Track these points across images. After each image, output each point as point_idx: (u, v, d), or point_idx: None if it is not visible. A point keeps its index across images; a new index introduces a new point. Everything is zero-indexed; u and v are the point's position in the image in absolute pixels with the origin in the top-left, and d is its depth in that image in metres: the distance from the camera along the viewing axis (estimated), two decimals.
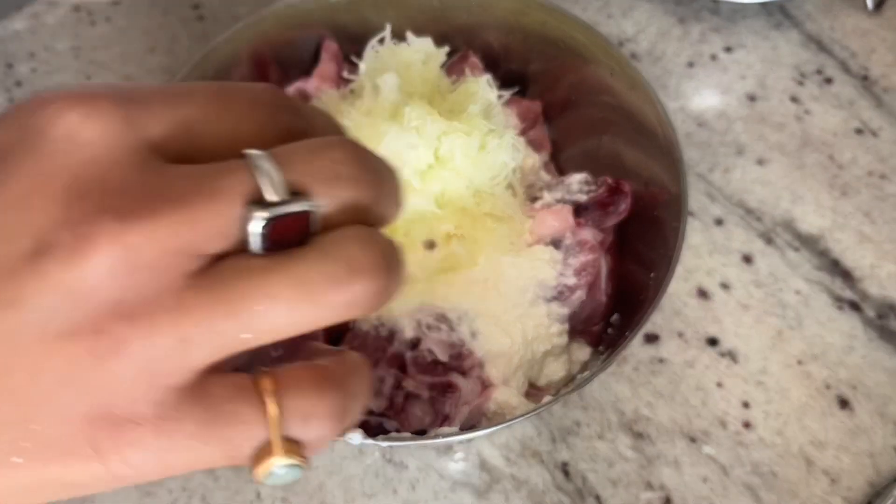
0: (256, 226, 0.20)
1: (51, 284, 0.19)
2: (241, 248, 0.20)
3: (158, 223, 0.19)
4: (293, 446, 0.21)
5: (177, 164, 0.20)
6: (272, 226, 0.20)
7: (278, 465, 0.21)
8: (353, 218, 0.21)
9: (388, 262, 0.21)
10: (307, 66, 0.57)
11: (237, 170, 0.20)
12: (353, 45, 0.56)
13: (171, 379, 0.20)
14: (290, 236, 0.20)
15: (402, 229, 0.49)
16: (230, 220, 0.20)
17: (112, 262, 0.19)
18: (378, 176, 0.22)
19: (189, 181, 0.20)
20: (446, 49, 0.56)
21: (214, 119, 0.22)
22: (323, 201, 0.21)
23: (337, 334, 0.48)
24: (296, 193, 0.20)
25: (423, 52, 0.55)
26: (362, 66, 0.55)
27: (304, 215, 0.20)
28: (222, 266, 0.20)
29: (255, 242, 0.20)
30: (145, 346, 0.19)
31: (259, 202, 0.20)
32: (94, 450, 0.20)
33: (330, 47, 0.56)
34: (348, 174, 0.21)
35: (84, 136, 0.20)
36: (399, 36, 0.56)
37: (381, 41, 0.56)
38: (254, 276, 0.20)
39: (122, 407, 0.20)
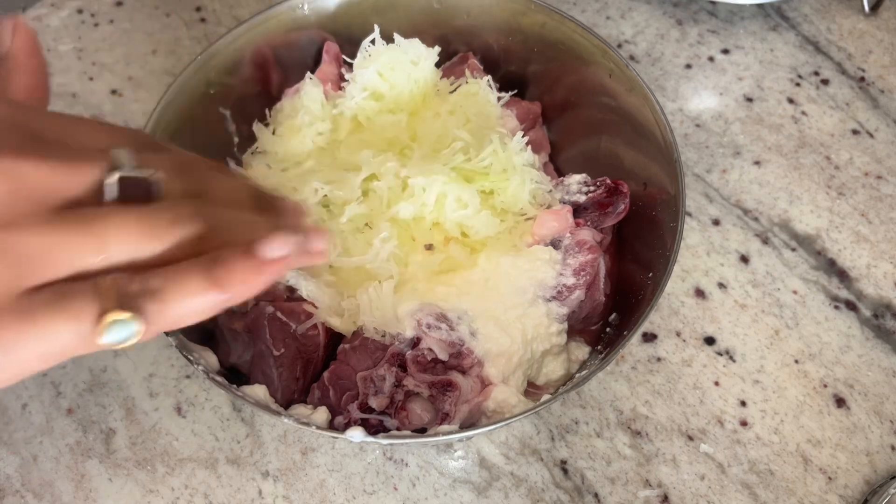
0: (111, 178, 0.28)
1: None
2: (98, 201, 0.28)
3: (42, 165, 0.27)
4: (124, 307, 0.27)
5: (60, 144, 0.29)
6: (122, 182, 0.28)
7: (111, 320, 0.27)
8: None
9: (200, 212, 0.30)
10: (308, 68, 0.57)
11: (103, 153, 0.29)
12: (354, 48, 0.56)
13: (30, 280, 0.26)
14: (138, 198, 0.29)
15: (402, 230, 0.50)
16: (93, 172, 0.28)
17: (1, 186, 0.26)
18: (195, 174, 0.32)
19: (69, 150, 0.28)
20: (438, 49, 0.56)
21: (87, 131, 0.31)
22: (154, 173, 0.29)
23: (338, 334, 0.48)
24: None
25: (411, 52, 0.55)
26: (354, 68, 0.55)
27: (145, 182, 0.29)
28: (85, 206, 0.28)
29: (110, 192, 0.28)
30: (14, 250, 0.26)
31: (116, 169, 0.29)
32: None
33: (331, 49, 0.57)
34: (168, 167, 0.31)
35: None
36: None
37: (374, 42, 0.56)
38: (109, 212, 0.28)
39: None
